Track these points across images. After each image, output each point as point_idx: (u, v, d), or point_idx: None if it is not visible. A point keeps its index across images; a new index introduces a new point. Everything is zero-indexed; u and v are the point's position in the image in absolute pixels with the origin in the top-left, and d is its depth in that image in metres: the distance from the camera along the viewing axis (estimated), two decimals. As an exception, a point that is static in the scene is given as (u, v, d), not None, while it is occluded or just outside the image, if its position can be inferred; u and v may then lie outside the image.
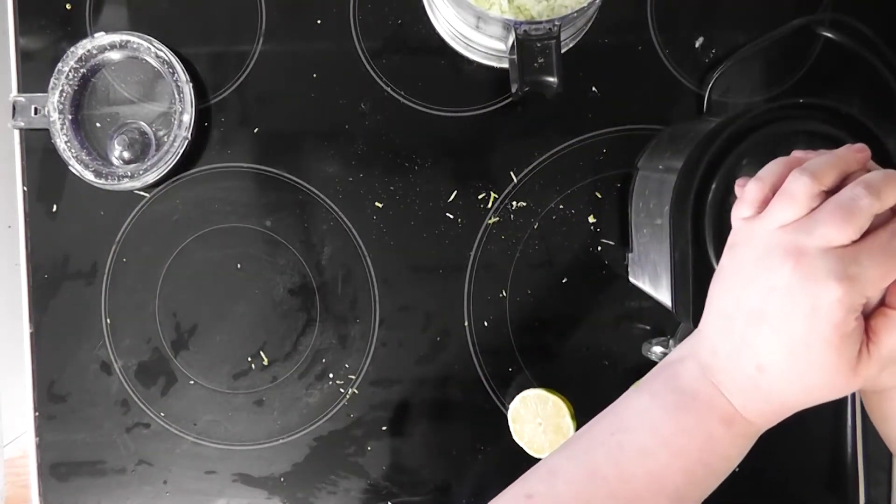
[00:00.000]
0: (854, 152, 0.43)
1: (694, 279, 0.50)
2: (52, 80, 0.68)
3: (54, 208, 0.71)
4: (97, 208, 0.71)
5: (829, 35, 0.69)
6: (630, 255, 0.68)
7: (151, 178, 0.68)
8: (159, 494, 0.71)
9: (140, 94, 0.70)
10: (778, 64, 0.71)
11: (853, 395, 0.69)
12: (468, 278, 0.71)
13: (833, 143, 0.50)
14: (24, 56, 0.71)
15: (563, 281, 0.71)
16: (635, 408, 0.46)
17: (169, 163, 0.68)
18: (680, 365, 0.46)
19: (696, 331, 0.46)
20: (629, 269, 0.69)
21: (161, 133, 0.70)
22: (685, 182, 0.51)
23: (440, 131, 0.71)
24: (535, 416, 0.68)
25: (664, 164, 0.59)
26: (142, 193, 0.71)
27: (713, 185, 0.49)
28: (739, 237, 0.44)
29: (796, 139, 0.50)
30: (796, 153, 0.45)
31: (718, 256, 0.49)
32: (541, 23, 0.57)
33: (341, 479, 0.71)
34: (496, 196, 0.71)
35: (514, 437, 0.68)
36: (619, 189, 0.70)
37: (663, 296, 0.57)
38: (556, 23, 0.57)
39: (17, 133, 0.71)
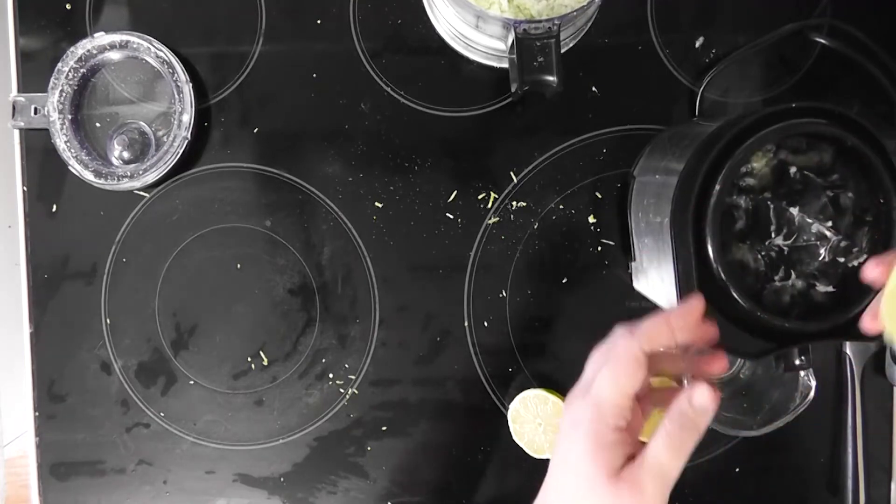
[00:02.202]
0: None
1: (699, 289, 0.50)
2: (52, 80, 0.68)
3: (54, 208, 0.71)
4: (97, 208, 0.71)
5: (820, 41, 0.69)
6: (633, 263, 0.68)
7: (151, 178, 0.68)
8: (159, 494, 0.71)
9: (140, 94, 0.70)
10: (777, 65, 0.71)
11: (852, 395, 0.69)
12: (468, 278, 0.71)
13: (831, 143, 0.50)
14: (24, 56, 0.71)
15: (563, 281, 0.71)
16: None
17: (169, 163, 0.68)
18: None
19: None
20: (633, 277, 0.69)
21: (161, 133, 0.70)
22: (684, 193, 0.51)
23: (440, 131, 0.71)
24: (535, 416, 0.68)
25: (661, 169, 0.59)
26: (142, 193, 0.71)
27: (713, 191, 0.49)
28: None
29: (795, 141, 0.50)
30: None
31: (721, 265, 0.48)
32: (540, 22, 0.57)
33: (341, 479, 0.71)
34: (496, 196, 0.71)
35: (514, 437, 0.68)
36: (619, 189, 0.70)
37: (669, 304, 0.57)
38: (556, 22, 0.57)
39: (17, 133, 0.71)
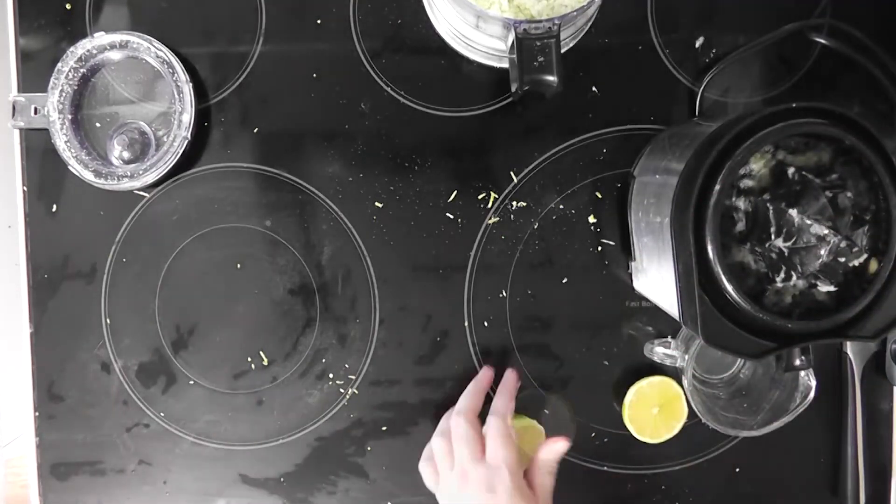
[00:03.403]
0: (483, 381, 0.67)
1: (699, 289, 0.50)
2: (52, 79, 0.68)
3: (54, 208, 0.71)
4: (97, 208, 0.71)
5: (820, 41, 0.69)
6: (633, 263, 0.68)
7: (151, 178, 0.68)
8: (159, 494, 0.71)
9: (140, 94, 0.70)
10: (777, 65, 0.71)
11: (852, 395, 0.69)
12: (468, 278, 0.71)
13: (830, 143, 0.50)
14: (24, 56, 0.71)
15: (563, 281, 0.71)
16: None
17: (169, 163, 0.68)
18: None
19: None
20: (633, 277, 0.69)
21: (161, 133, 0.70)
22: (684, 193, 0.51)
23: (440, 131, 0.71)
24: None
25: (661, 169, 0.59)
26: (142, 193, 0.71)
27: (713, 191, 0.49)
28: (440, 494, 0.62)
29: (793, 141, 0.50)
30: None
31: (722, 267, 0.48)
32: (540, 22, 0.57)
33: (341, 479, 0.71)
34: (496, 196, 0.71)
35: None
36: (619, 189, 0.70)
37: (669, 304, 0.57)
38: (556, 22, 0.57)
39: (17, 133, 0.71)
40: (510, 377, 0.67)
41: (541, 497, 0.59)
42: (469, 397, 0.65)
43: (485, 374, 0.68)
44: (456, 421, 0.62)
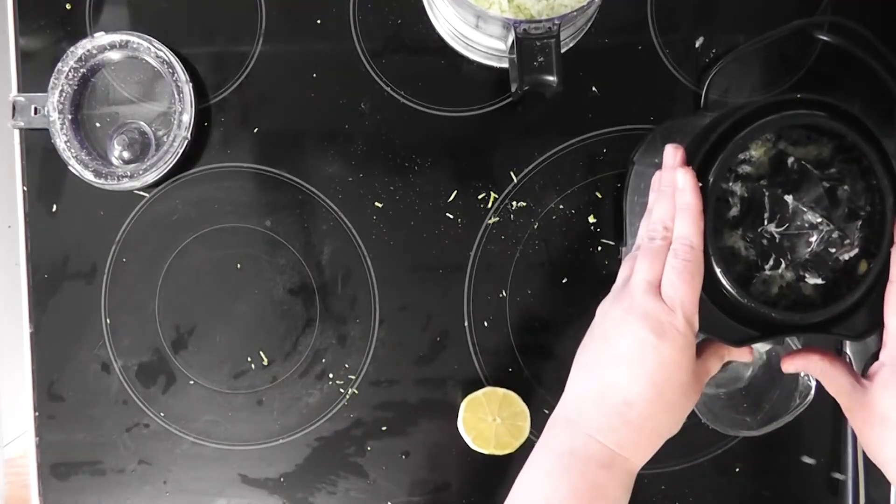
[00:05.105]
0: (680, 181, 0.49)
1: None
2: (52, 79, 0.68)
3: (54, 208, 0.71)
4: (97, 208, 0.71)
5: (823, 38, 0.69)
6: (623, 248, 0.68)
7: (151, 178, 0.68)
8: (159, 494, 0.71)
9: (140, 94, 0.70)
10: (778, 64, 0.71)
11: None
12: (468, 278, 0.71)
13: (831, 138, 0.50)
14: (24, 56, 0.71)
15: (563, 281, 0.71)
16: (527, 484, 0.50)
17: (169, 163, 0.68)
18: (550, 432, 0.50)
19: (559, 402, 0.51)
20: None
21: (161, 133, 0.70)
22: None
23: (440, 131, 0.71)
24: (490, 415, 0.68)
25: (660, 158, 0.59)
26: (142, 193, 0.71)
27: (711, 170, 0.49)
28: (608, 307, 0.51)
29: (795, 133, 0.51)
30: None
31: (713, 250, 0.49)
32: (540, 22, 0.57)
33: (341, 479, 0.71)
34: (496, 196, 0.71)
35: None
36: (619, 189, 0.70)
37: None
38: (556, 22, 0.57)
39: (17, 133, 0.71)
40: (686, 191, 0.49)
41: (702, 378, 0.49)
42: (663, 207, 0.50)
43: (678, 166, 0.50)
44: (653, 228, 0.50)
